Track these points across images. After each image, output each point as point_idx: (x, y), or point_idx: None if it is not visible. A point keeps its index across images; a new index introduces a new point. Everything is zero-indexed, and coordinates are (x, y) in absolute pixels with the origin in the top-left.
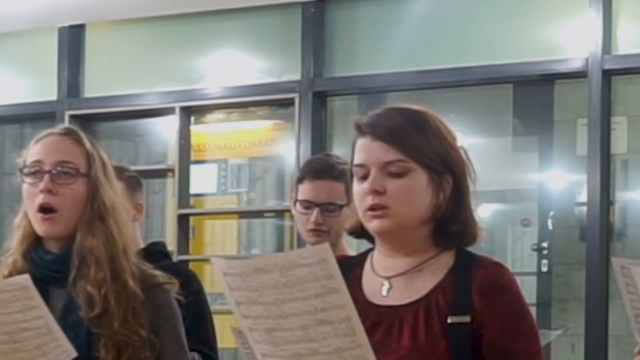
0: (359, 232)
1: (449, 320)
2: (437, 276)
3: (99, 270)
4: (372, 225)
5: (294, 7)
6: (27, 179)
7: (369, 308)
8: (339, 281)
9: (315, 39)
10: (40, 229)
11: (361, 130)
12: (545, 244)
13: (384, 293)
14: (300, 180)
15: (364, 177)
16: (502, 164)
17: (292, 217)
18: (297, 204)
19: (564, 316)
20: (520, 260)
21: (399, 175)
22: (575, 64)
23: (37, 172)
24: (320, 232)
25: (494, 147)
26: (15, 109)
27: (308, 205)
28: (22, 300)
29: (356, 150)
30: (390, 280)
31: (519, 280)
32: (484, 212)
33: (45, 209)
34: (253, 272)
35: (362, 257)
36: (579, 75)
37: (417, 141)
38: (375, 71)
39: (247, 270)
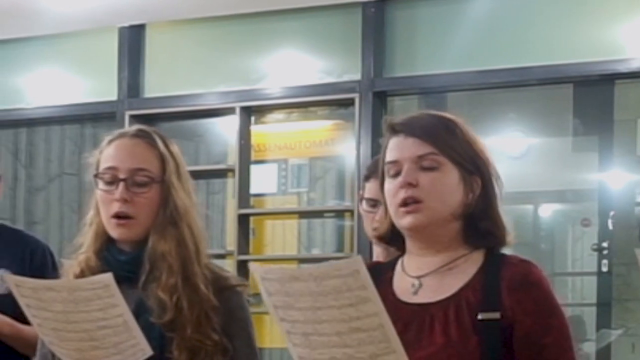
0: (389, 238)
1: (479, 317)
2: (467, 274)
3: (171, 275)
4: (405, 222)
5: (354, 7)
6: (102, 186)
7: (401, 307)
8: (372, 291)
9: (376, 39)
10: (114, 233)
11: (394, 129)
12: (605, 244)
13: (415, 292)
14: (367, 178)
15: (397, 174)
16: (562, 164)
17: (352, 217)
18: (364, 201)
19: (624, 316)
20: (581, 260)
21: (431, 168)
22: (636, 64)
23: (112, 180)
24: None
25: (554, 147)
26: (76, 109)
27: (374, 203)
28: (103, 298)
29: (388, 149)
30: (421, 279)
31: (579, 280)
32: (544, 212)
33: (120, 216)
34: (289, 280)
35: (393, 262)
36: (639, 75)
37: (448, 139)
38: (435, 71)
39: (284, 277)
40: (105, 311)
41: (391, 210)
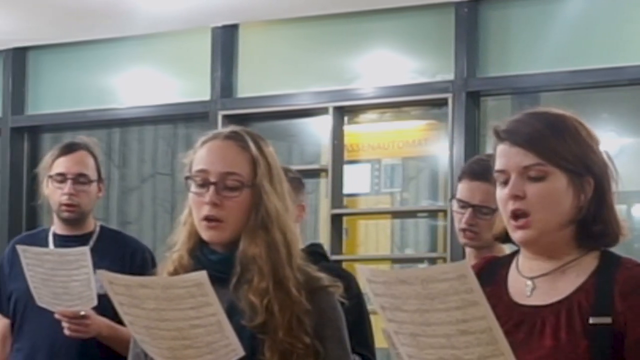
0: (505, 237)
1: (591, 321)
2: (580, 278)
3: (262, 279)
4: (515, 236)
5: (447, 7)
6: (193, 188)
7: (513, 308)
8: (479, 295)
9: (469, 39)
10: (205, 235)
11: (499, 136)
12: None
13: (528, 293)
14: (459, 178)
15: (505, 183)
16: None
17: (445, 217)
18: (454, 201)
19: None
20: None
21: (538, 179)
22: None
23: (203, 183)
24: (471, 233)
25: None
26: (169, 109)
27: (463, 205)
28: (196, 296)
29: (497, 156)
30: (534, 281)
31: None
32: (638, 211)
33: (210, 219)
34: (396, 283)
35: (509, 257)
36: None
37: (555, 145)
38: (529, 71)
39: (390, 280)
40: (199, 310)
41: (504, 219)
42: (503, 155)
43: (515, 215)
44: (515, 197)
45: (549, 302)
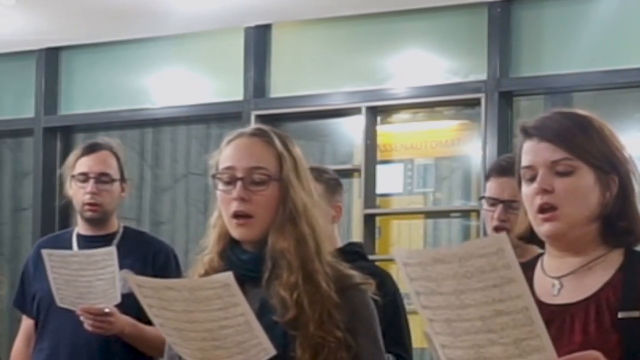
0: (529, 237)
1: (620, 315)
2: (606, 274)
3: (291, 273)
4: (543, 229)
5: (480, 7)
6: (220, 186)
7: (541, 307)
8: (517, 271)
9: (502, 39)
10: (235, 233)
11: (527, 133)
12: None
13: (555, 292)
14: (487, 177)
15: (532, 179)
16: None
17: (478, 217)
18: (484, 201)
19: None
20: None
21: (566, 174)
22: None
23: (230, 180)
24: (504, 229)
25: None
26: (202, 109)
27: (493, 202)
28: (224, 297)
29: (523, 152)
30: (561, 280)
31: None
32: None
33: (239, 216)
34: (432, 263)
35: (533, 261)
36: None
37: (582, 141)
38: (562, 71)
39: (426, 261)
40: (227, 310)
41: (529, 215)
42: (531, 151)
43: (543, 209)
44: (544, 191)
45: (577, 299)
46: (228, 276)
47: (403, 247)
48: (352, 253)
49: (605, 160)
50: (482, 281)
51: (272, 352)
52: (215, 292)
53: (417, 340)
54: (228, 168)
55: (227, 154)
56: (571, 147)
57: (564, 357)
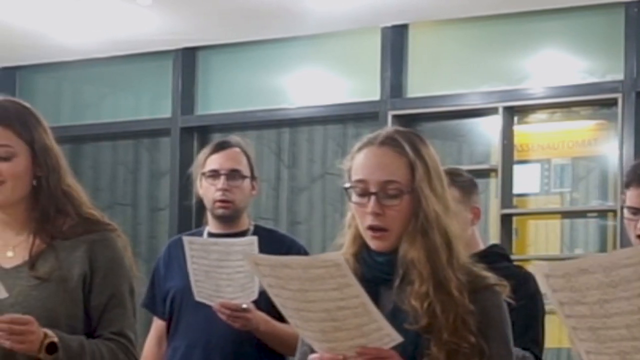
0: None
1: None
2: None
3: (422, 283)
4: None
5: (617, 7)
6: (354, 198)
7: None
8: None
9: (639, 39)
10: (371, 244)
11: None
12: None
13: None
14: (626, 185)
15: None
16: None
17: (615, 217)
18: (625, 210)
19: None
20: None
21: None
22: None
23: (363, 193)
24: None
25: None
26: (339, 109)
27: (635, 211)
28: (336, 277)
29: None
30: None
31: None
32: None
33: (375, 229)
34: (576, 273)
35: None
36: None
37: None
38: None
39: (571, 272)
40: (341, 291)
41: None
42: None
43: None
44: None
45: None
46: (338, 256)
47: (543, 262)
48: (494, 254)
49: None
50: (628, 290)
51: (398, 339)
52: (327, 271)
53: (553, 340)
54: (360, 181)
55: (359, 164)
56: None
57: None
